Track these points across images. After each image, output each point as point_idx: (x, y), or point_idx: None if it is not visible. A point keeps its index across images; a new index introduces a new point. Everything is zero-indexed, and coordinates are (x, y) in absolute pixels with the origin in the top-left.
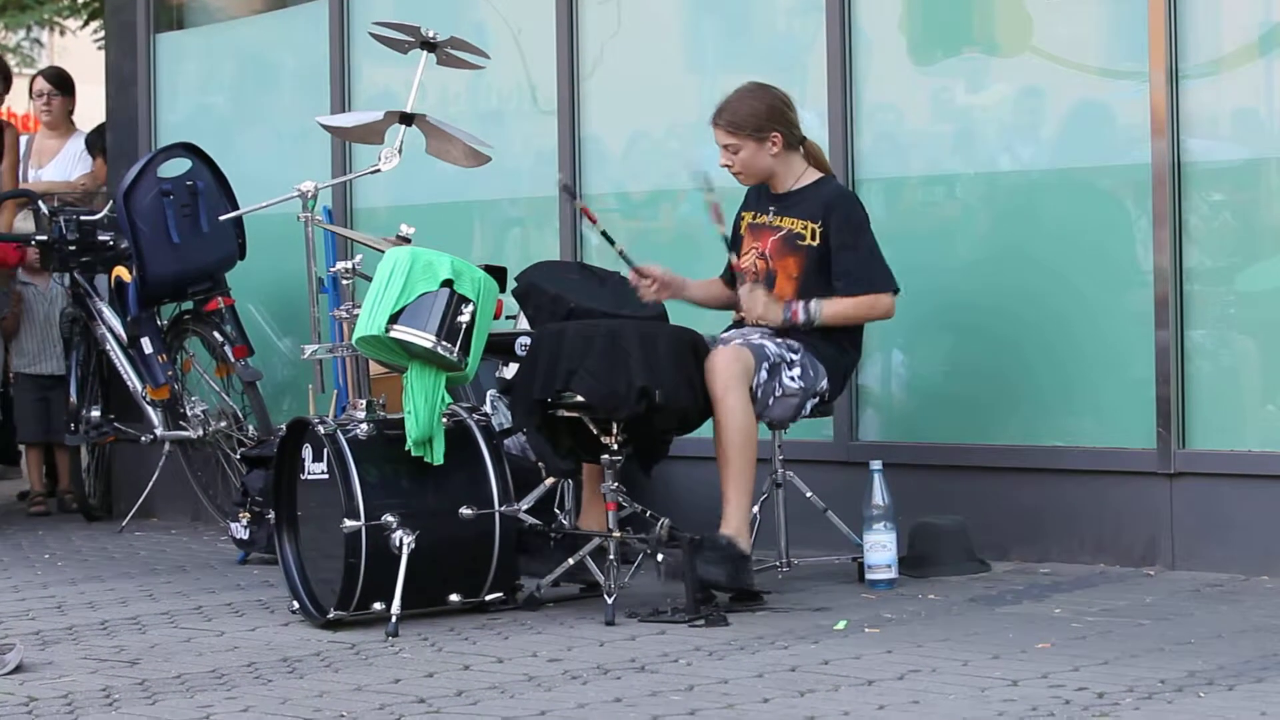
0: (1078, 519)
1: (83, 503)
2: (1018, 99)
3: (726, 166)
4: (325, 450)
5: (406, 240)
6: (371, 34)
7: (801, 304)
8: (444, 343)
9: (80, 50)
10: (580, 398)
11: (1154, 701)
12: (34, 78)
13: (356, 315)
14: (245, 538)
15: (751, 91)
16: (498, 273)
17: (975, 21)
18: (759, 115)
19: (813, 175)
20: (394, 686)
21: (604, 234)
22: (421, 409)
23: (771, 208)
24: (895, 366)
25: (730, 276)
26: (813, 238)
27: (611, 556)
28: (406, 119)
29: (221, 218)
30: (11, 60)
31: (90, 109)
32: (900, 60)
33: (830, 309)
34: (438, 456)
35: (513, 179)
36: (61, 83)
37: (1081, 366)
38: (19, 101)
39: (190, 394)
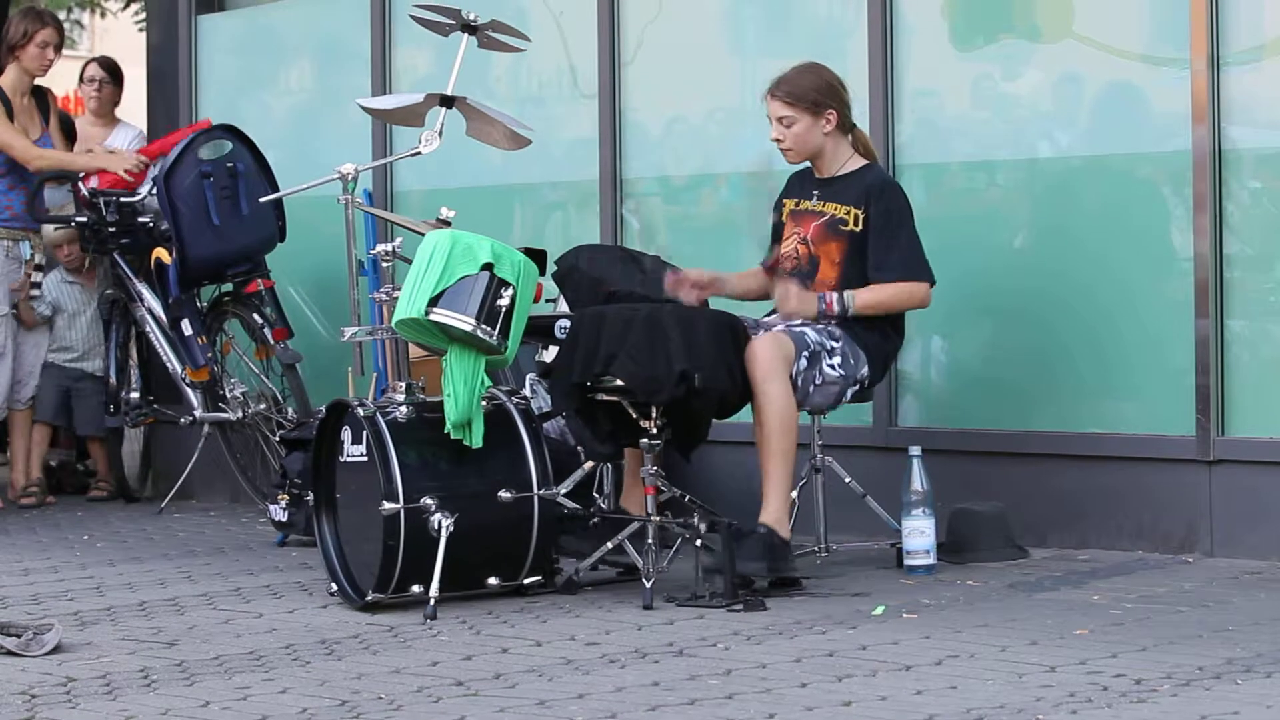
0: (1117, 505)
1: (122, 485)
2: (1058, 85)
3: (777, 141)
4: (364, 432)
5: (447, 223)
6: (412, 16)
7: (835, 295)
8: (484, 326)
9: (121, 32)
10: (620, 381)
11: (1192, 688)
12: (87, 63)
13: (396, 298)
14: (284, 520)
15: (810, 68)
16: (538, 256)
17: (1016, 7)
18: (819, 90)
19: (858, 162)
20: (432, 669)
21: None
22: (461, 392)
23: (815, 192)
24: (935, 352)
25: (775, 265)
26: (855, 223)
27: (650, 541)
28: (447, 101)
29: (261, 200)
30: None
31: (131, 91)
32: (941, 46)
33: (864, 298)
34: (477, 439)
35: (553, 163)
36: (115, 72)
37: (1121, 353)
38: (59, 83)
39: (230, 376)
